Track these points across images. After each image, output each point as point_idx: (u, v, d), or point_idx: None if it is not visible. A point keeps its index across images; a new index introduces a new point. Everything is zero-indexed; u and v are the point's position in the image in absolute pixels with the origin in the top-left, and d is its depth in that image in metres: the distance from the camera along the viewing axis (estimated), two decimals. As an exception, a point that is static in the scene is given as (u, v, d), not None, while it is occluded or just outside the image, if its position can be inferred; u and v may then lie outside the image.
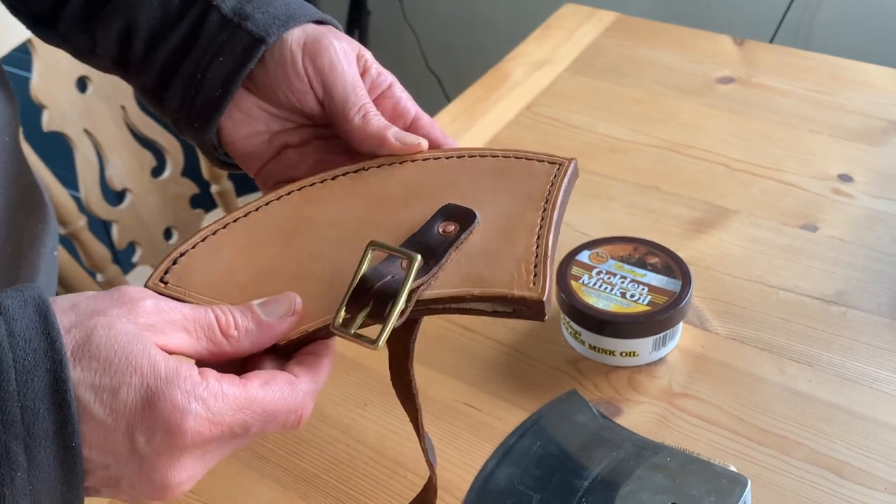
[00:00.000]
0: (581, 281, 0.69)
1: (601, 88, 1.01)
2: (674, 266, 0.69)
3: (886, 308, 0.72)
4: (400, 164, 0.53)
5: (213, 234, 0.50)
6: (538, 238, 0.46)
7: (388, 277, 0.44)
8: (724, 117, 0.95)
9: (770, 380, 0.67)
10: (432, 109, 1.03)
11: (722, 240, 0.80)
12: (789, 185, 0.85)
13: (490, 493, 0.60)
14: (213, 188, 1.37)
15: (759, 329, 0.71)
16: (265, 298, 0.44)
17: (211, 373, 0.39)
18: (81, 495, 0.39)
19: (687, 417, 0.65)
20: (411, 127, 0.55)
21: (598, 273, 0.69)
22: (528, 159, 0.51)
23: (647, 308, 0.66)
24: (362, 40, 1.94)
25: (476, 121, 0.97)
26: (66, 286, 1.17)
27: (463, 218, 0.48)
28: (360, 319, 0.43)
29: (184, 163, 1.35)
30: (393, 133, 0.52)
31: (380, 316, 0.43)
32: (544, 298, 0.43)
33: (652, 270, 0.69)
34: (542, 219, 0.47)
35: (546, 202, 0.48)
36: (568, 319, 0.69)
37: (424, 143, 0.53)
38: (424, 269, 0.44)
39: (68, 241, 1.20)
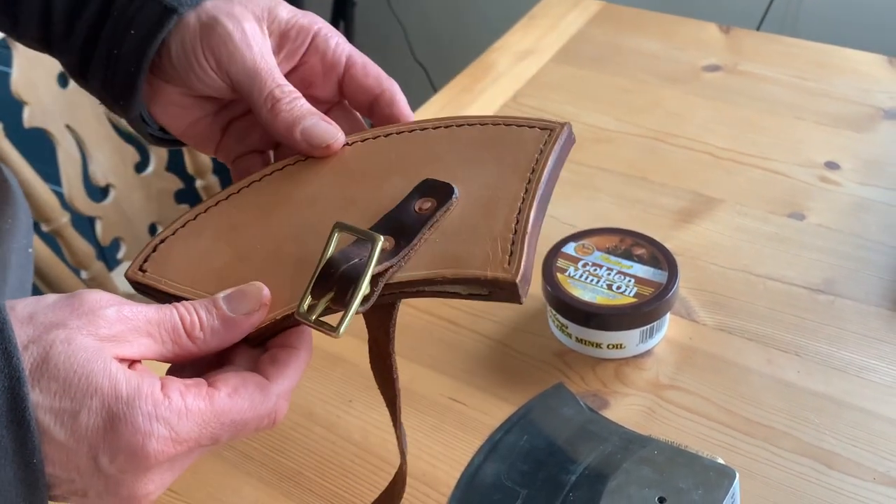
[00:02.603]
0: (567, 273, 0.68)
1: (587, 78, 1.00)
2: (660, 257, 0.69)
3: (874, 296, 0.72)
4: (385, 136, 0.50)
5: (194, 218, 0.48)
6: (519, 213, 0.43)
7: (356, 261, 0.42)
8: (710, 105, 0.95)
9: (757, 370, 0.67)
10: (419, 100, 1.02)
11: (708, 229, 0.79)
12: (776, 173, 0.85)
13: (476, 488, 0.59)
14: (198, 183, 1.36)
15: (746, 319, 0.71)
16: (231, 290, 0.43)
17: (174, 387, 0.38)
18: None
19: (674, 409, 0.65)
20: (345, 76, 0.52)
21: (585, 265, 0.69)
22: (518, 126, 0.48)
23: (634, 300, 0.66)
24: (348, 31, 1.93)
25: (461, 111, 0.96)
26: (49, 284, 1.16)
27: (440, 193, 0.45)
28: (322, 305, 0.41)
29: (168, 158, 1.34)
30: (301, 130, 0.49)
31: (342, 302, 0.41)
32: (517, 280, 0.40)
33: (638, 262, 0.69)
34: (526, 191, 0.44)
35: (532, 173, 0.45)
36: (554, 312, 0.69)
37: (337, 142, 0.49)
38: (395, 251, 0.42)
39: (52, 239, 1.19)
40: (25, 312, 0.38)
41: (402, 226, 0.44)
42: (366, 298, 0.41)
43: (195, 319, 0.41)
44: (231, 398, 0.39)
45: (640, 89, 0.98)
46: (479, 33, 1.68)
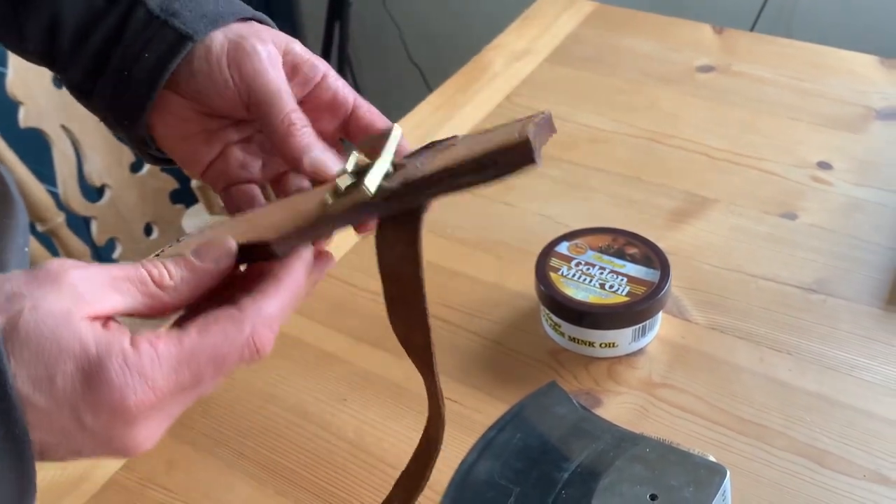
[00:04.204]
0: (560, 272, 0.69)
1: (581, 78, 1.01)
2: (652, 256, 0.69)
3: (866, 296, 0.72)
4: None
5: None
6: (522, 125, 0.44)
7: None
8: (704, 106, 0.95)
9: (750, 369, 0.67)
10: (414, 100, 1.03)
11: (702, 229, 0.80)
12: (769, 173, 0.85)
13: (470, 486, 0.59)
14: (193, 183, 1.36)
15: (738, 318, 0.71)
16: (197, 246, 0.43)
17: (143, 338, 0.39)
18: (33, 480, 0.38)
19: (667, 408, 0.65)
20: (351, 117, 0.54)
21: (577, 264, 0.69)
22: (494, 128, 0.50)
23: (627, 299, 0.66)
24: (343, 32, 1.93)
25: (456, 112, 0.96)
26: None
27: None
28: (352, 161, 0.45)
29: (163, 157, 1.33)
30: (309, 160, 0.51)
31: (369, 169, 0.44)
32: (530, 137, 0.41)
33: (631, 261, 0.69)
34: (522, 121, 0.45)
35: (521, 123, 0.45)
36: (547, 311, 0.69)
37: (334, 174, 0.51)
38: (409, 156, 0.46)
39: (47, 238, 1.19)
40: None
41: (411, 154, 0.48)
42: (388, 196, 0.44)
43: (163, 271, 0.42)
44: (201, 335, 0.40)
45: (635, 90, 0.98)
46: (474, 34, 1.68)
